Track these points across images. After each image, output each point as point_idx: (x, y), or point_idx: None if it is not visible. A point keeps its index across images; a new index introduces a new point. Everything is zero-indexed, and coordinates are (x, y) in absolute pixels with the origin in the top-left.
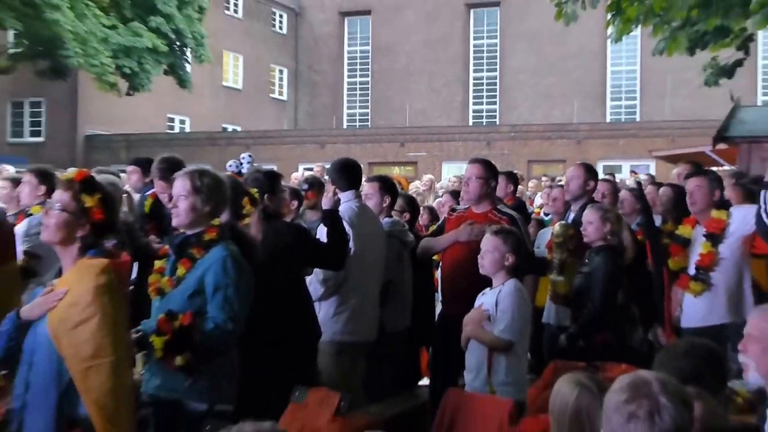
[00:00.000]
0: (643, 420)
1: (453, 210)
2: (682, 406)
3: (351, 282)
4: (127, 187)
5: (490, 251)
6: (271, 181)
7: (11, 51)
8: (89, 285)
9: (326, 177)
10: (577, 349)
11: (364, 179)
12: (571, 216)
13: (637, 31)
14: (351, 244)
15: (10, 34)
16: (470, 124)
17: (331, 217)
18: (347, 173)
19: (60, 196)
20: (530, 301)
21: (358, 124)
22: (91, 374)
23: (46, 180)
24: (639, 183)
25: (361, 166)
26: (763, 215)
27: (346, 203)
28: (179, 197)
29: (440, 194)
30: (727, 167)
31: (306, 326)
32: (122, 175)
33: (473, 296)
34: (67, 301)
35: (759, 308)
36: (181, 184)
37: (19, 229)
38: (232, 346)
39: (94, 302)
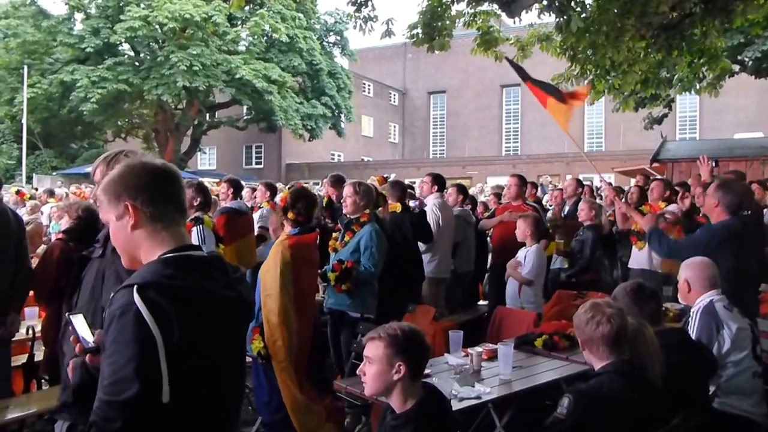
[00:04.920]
0: (605, 323)
1: (500, 204)
2: (621, 314)
3: (437, 244)
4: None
5: (521, 228)
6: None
7: (245, 117)
8: (276, 253)
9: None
10: (572, 284)
11: (448, 185)
12: (567, 208)
13: (603, 98)
14: (440, 221)
15: (245, 108)
16: (503, 154)
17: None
18: (439, 182)
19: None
20: (545, 255)
21: (438, 155)
22: (267, 300)
23: (270, 189)
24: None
25: None
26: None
27: (436, 198)
28: (347, 197)
29: (487, 195)
30: (657, 177)
31: (416, 269)
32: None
33: (510, 253)
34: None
35: (686, 262)
36: (348, 189)
37: (255, 215)
38: (374, 280)
39: (273, 262)
